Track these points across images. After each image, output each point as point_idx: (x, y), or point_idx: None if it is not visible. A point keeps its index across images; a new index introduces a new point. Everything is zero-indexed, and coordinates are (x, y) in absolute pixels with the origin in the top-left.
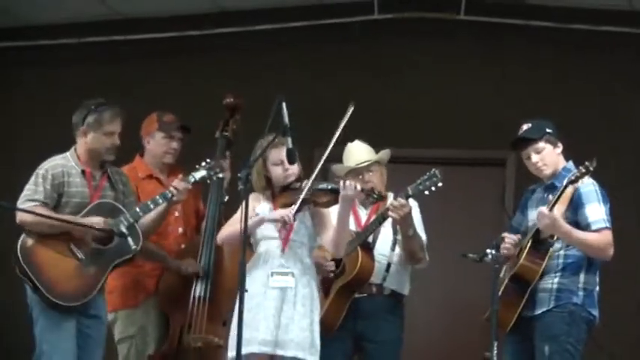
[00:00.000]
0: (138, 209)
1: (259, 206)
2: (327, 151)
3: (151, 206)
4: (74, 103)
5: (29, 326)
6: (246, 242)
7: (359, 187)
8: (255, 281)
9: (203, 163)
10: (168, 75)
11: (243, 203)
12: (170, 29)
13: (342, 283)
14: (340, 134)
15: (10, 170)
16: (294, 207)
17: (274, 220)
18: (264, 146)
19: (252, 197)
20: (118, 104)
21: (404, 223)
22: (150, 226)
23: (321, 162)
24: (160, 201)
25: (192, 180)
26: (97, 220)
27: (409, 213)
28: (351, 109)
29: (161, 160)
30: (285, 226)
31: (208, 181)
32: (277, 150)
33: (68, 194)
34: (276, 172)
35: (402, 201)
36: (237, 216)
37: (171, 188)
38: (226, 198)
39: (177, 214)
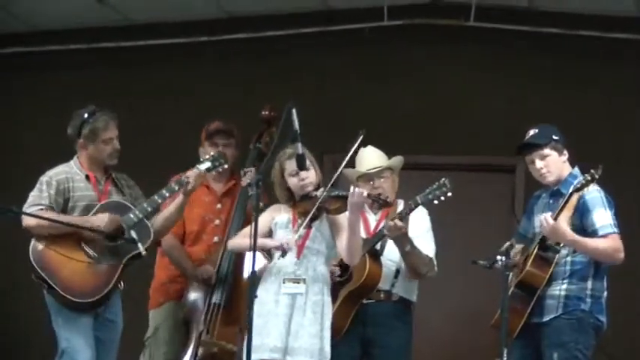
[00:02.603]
0: (146, 204)
1: (278, 216)
2: (340, 169)
3: (159, 200)
4: (78, 109)
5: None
6: (256, 250)
7: (365, 193)
8: (268, 289)
9: (207, 156)
10: (176, 81)
11: (254, 216)
12: (178, 35)
13: (349, 290)
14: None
15: (16, 176)
16: (298, 233)
17: (274, 247)
18: (273, 156)
19: (273, 208)
20: (126, 110)
21: (399, 241)
22: (161, 227)
23: (336, 174)
24: (167, 194)
25: (197, 171)
26: (101, 218)
27: (405, 234)
28: (360, 138)
29: None
30: (284, 254)
31: (213, 172)
32: (292, 161)
33: (74, 199)
34: (293, 182)
35: (398, 223)
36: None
37: (183, 177)
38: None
39: (217, 222)
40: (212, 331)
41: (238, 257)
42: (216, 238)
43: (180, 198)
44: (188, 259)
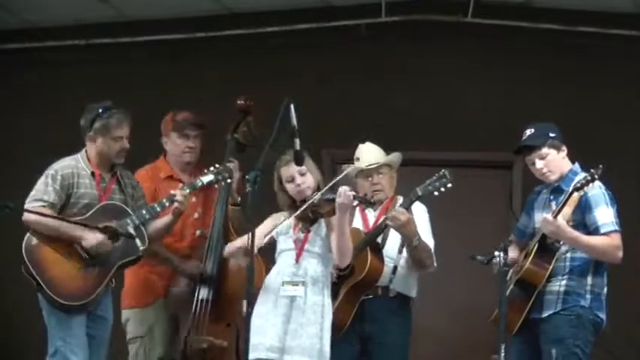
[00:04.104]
0: (144, 211)
1: (281, 225)
2: (332, 183)
3: (158, 208)
4: (81, 105)
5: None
6: (253, 249)
7: (351, 194)
8: (268, 290)
9: (211, 168)
10: (174, 77)
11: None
12: (177, 31)
13: (351, 284)
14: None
15: (16, 172)
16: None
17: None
18: (270, 152)
19: (274, 217)
20: (124, 106)
21: (406, 233)
22: (153, 236)
23: (333, 182)
24: (167, 204)
25: (200, 184)
26: (93, 237)
27: (408, 222)
28: (345, 172)
29: (180, 159)
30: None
31: (216, 186)
32: (287, 167)
33: (77, 195)
34: (290, 188)
35: (400, 209)
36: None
37: (175, 201)
38: (239, 199)
39: (196, 215)
40: (201, 327)
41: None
42: (198, 232)
43: (169, 217)
44: (171, 253)
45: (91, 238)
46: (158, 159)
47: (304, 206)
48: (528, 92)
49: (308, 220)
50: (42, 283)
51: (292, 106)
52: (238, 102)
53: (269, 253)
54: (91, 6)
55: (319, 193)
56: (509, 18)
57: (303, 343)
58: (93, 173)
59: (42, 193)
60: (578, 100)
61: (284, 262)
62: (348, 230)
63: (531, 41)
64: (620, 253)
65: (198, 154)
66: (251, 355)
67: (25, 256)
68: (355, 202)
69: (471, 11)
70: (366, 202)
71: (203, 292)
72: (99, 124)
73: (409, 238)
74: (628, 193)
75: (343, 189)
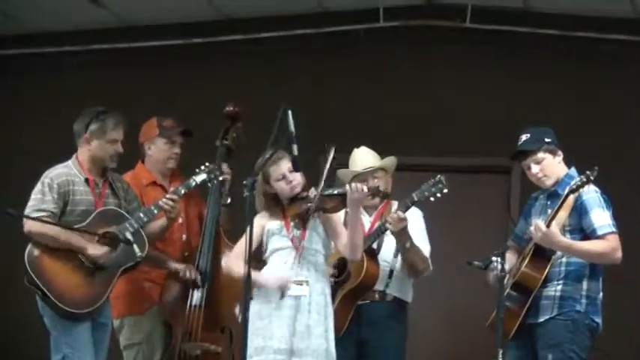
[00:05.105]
0: (142, 214)
1: (269, 223)
2: (324, 177)
3: (155, 211)
4: (78, 111)
5: (37, 339)
6: (252, 255)
7: (364, 189)
8: (269, 290)
9: (202, 167)
10: (172, 83)
11: (248, 227)
12: (174, 37)
13: (347, 290)
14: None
15: (15, 178)
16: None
17: (271, 288)
18: (261, 162)
19: (260, 216)
20: (121, 112)
21: (401, 236)
22: (149, 238)
23: (324, 174)
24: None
25: (194, 184)
26: (100, 252)
27: (406, 227)
28: (332, 152)
29: (164, 165)
30: (283, 295)
31: (209, 184)
32: (277, 166)
33: (73, 202)
34: (281, 186)
35: (401, 215)
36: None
37: (165, 207)
38: (229, 200)
39: (180, 220)
40: (194, 333)
41: (216, 257)
42: (184, 236)
43: (164, 220)
44: (163, 254)
45: (97, 249)
46: (136, 166)
47: (314, 202)
48: (527, 97)
49: (303, 217)
50: (48, 293)
51: (290, 112)
52: (227, 109)
53: (257, 253)
54: (89, 12)
55: (319, 189)
56: (507, 23)
57: (312, 345)
58: (87, 179)
59: (41, 202)
60: (578, 104)
61: (283, 261)
62: (360, 224)
63: (529, 46)
64: (619, 254)
65: (179, 161)
66: (257, 358)
67: (28, 267)
68: (369, 195)
69: (469, 16)
70: (381, 194)
71: (195, 299)
72: (95, 126)
73: (403, 241)
74: (628, 197)
75: (355, 184)
